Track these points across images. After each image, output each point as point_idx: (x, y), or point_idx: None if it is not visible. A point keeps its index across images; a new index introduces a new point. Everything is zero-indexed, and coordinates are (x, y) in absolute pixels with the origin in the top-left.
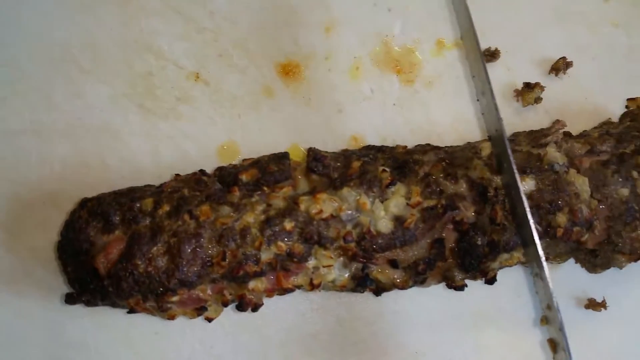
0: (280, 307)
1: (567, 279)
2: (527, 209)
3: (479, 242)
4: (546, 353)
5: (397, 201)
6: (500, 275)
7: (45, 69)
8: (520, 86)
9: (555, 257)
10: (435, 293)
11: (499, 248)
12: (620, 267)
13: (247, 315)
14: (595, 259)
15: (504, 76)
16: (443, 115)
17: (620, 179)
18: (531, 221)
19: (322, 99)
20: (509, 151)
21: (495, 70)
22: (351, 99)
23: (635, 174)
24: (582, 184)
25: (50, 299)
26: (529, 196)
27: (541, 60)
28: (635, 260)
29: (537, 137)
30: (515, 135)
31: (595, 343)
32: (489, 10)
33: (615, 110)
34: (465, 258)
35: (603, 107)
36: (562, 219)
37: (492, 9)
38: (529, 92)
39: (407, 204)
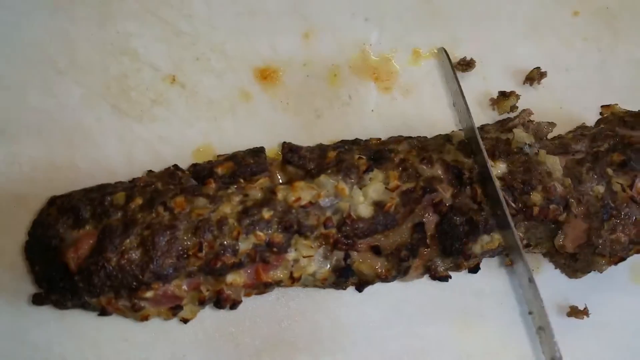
0: (255, 314)
1: (548, 286)
2: (498, 187)
3: (458, 222)
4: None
5: (376, 186)
6: (483, 280)
7: (21, 69)
8: (496, 95)
9: (535, 244)
10: (418, 299)
11: (479, 228)
12: (601, 271)
13: (222, 322)
14: (576, 263)
15: (480, 85)
16: (420, 122)
17: (596, 176)
18: (502, 198)
19: (300, 104)
20: (477, 134)
21: (471, 80)
22: (329, 104)
23: (609, 171)
24: (553, 163)
25: (16, 304)
26: (501, 179)
27: (516, 71)
28: (616, 263)
29: (504, 124)
30: (483, 125)
31: (578, 351)
32: (464, 21)
33: (589, 118)
34: (447, 241)
35: (577, 115)
36: (536, 197)
37: (468, 20)
38: (504, 100)
39: (386, 189)
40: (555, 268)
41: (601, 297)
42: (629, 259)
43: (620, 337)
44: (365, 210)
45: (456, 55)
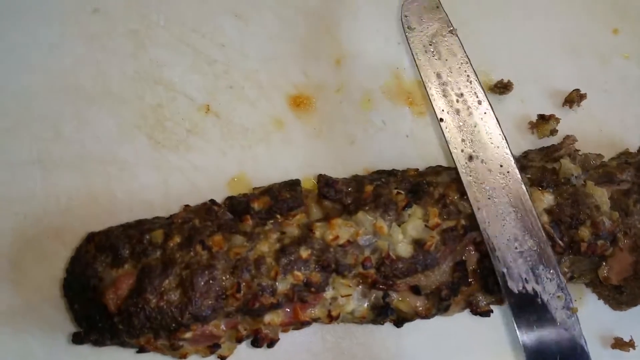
0: (292, 348)
1: (591, 317)
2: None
3: None
4: None
5: (415, 224)
6: None
7: (54, 99)
8: (534, 118)
9: (579, 276)
10: (457, 333)
11: None
12: None
13: (260, 355)
14: (621, 296)
15: (517, 108)
16: None
17: None
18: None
19: (333, 130)
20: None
21: (508, 102)
22: (363, 130)
23: None
24: (601, 196)
25: (55, 338)
26: (549, 212)
27: (554, 93)
28: None
29: (549, 153)
30: (527, 152)
31: None
32: (500, 43)
33: (631, 140)
34: (489, 278)
35: (619, 138)
36: (584, 232)
37: (504, 42)
38: (544, 124)
39: (426, 226)
40: (599, 299)
41: None
42: None
43: None
44: (404, 249)
45: (492, 78)
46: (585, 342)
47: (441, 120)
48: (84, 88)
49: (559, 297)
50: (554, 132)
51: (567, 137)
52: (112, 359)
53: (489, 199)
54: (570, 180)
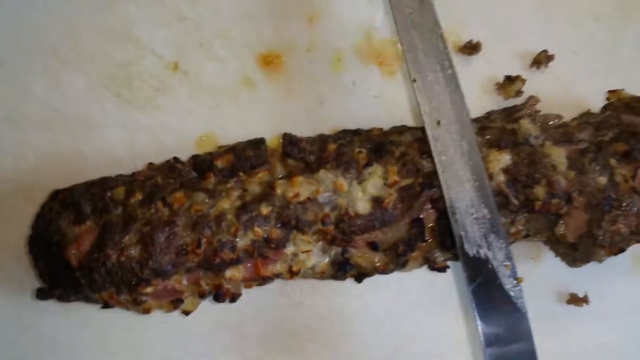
0: (258, 303)
1: (548, 274)
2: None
3: None
4: None
5: (375, 181)
6: None
7: (23, 57)
8: (501, 79)
9: (535, 234)
10: (418, 287)
11: None
12: (600, 261)
13: (224, 311)
14: (575, 253)
15: (485, 69)
16: None
17: (598, 167)
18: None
19: (303, 90)
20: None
21: (476, 64)
22: (333, 90)
23: (612, 161)
24: (558, 156)
25: (22, 295)
26: (505, 171)
27: (523, 54)
28: (615, 254)
29: (510, 113)
30: (489, 113)
31: (578, 339)
32: (470, 2)
33: (596, 103)
34: (446, 236)
35: (584, 100)
36: (539, 191)
37: (474, 2)
38: (510, 85)
39: (385, 184)
40: (556, 256)
41: (601, 284)
42: (632, 247)
43: (620, 324)
44: (363, 206)
45: (462, 38)
46: (526, 312)
47: (414, 80)
48: (55, 46)
49: (506, 266)
50: (519, 93)
51: (530, 97)
52: (78, 314)
53: (451, 165)
54: (529, 141)
